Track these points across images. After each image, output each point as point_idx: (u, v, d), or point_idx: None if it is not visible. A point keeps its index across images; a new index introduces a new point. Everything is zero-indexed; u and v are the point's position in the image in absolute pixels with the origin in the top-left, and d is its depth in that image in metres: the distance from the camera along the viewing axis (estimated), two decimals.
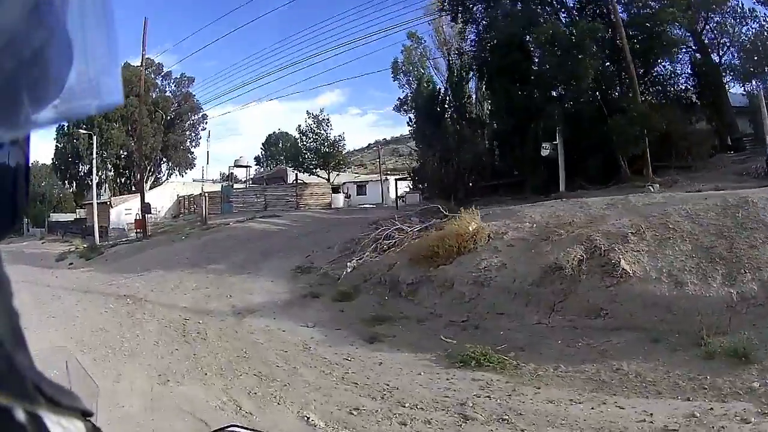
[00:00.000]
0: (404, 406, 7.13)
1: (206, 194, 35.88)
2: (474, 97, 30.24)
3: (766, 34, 24.21)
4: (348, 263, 15.92)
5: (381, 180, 43.31)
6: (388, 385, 8.01)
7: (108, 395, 7.11)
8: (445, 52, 32.67)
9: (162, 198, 45.97)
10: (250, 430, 1.87)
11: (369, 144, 71.37)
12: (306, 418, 6.82)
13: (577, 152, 22.00)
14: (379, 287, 14.14)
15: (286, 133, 73.50)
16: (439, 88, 30.32)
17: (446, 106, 29.87)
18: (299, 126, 45.91)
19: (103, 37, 0.59)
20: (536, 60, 24.26)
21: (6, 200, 0.60)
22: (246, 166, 57.04)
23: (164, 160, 55.15)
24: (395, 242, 16.36)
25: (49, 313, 13.64)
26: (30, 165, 0.64)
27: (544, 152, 21.82)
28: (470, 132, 27.41)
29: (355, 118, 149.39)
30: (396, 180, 37.25)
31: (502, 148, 25.38)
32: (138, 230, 35.50)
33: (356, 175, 49.04)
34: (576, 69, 20.46)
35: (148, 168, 44.67)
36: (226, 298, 14.69)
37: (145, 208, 34.95)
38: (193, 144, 58.69)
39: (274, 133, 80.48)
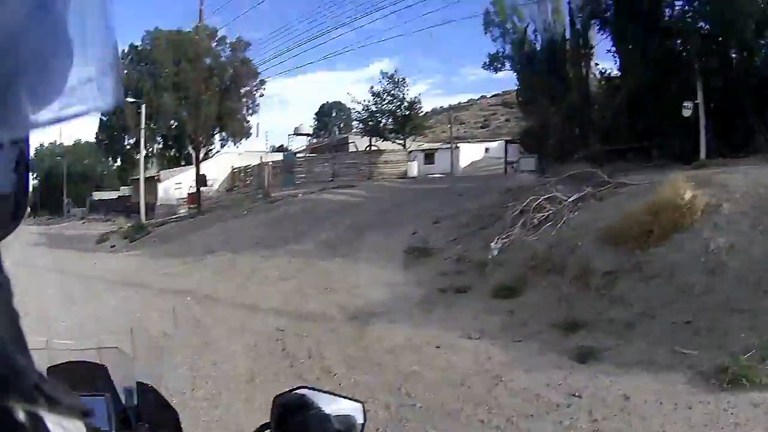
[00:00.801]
0: None
1: (269, 164, 31.87)
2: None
3: None
4: (491, 244, 11.78)
5: (451, 147, 38.85)
6: None
7: None
8: None
9: (215, 170, 43.29)
10: (319, 390, 1.52)
11: (433, 109, 66.90)
12: None
13: (720, 115, 18.69)
14: (553, 276, 10.17)
15: (340, 102, 72.95)
16: (560, 38, 25.71)
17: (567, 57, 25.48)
18: (372, 87, 41.40)
19: (102, 37, 0.56)
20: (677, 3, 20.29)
21: (5, 201, 0.57)
22: (307, 134, 54.29)
23: (218, 129, 52.26)
24: (548, 215, 12.23)
25: (78, 321, 9.70)
26: (30, 165, 0.61)
27: (686, 112, 18.34)
28: (598, 89, 23.65)
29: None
30: (506, 143, 33.98)
31: (632, 108, 21.01)
32: (191, 205, 32.77)
33: (419, 143, 44.77)
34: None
35: (201, 139, 41.66)
36: (327, 293, 11.15)
37: (201, 180, 31.86)
38: (250, 112, 55.57)
39: (327, 102, 78.74)
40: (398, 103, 39.40)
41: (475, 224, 14.01)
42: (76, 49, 0.52)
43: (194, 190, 32.87)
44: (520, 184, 17.10)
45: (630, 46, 20.75)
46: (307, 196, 25.79)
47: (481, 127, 55.79)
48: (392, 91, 39.42)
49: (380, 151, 38.67)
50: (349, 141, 45.58)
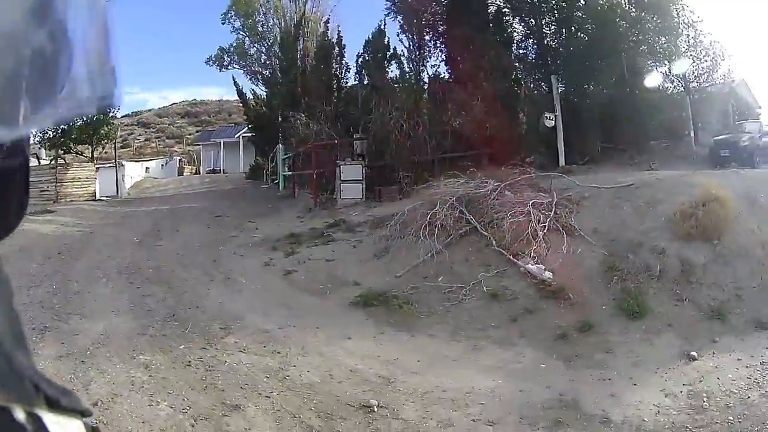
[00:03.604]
0: None
1: None
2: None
3: None
4: None
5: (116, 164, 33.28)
6: None
7: None
8: None
9: None
10: None
11: None
12: None
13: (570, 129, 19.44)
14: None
15: None
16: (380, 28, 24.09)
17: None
18: None
19: (102, 37, 0.61)
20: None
21: (7, 200, 0.62)
22: None
23: None
24: None
25: None
26: (30, 165, 0.65)
27: (549, 123, 18.88)
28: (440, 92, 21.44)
29: None
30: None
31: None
32: None
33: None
34: None
35: None
36: None
37: None
38: None
39: None
40: None
41: None
42: (76, 49, 0.56)
43: None
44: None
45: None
46: None
47: (121, 148, 51.14)
48: None
49: (66, 166, 31.73)
50: (32, 153, 36.56)
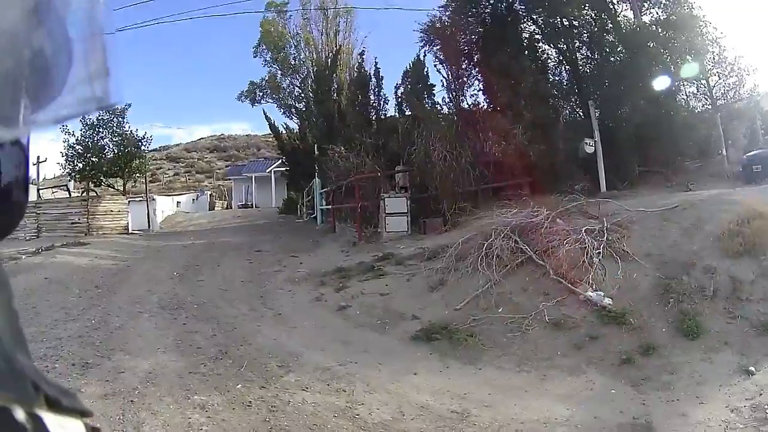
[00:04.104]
0: None
1: None
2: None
3: None
4: None
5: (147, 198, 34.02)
6: None
7: None
8: None
9: None
10: None
11: None
12: None
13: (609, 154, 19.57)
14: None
15: None
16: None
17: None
18: (84, 117, 32.14)
19: (102, 38, 0.60)
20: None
21: (7, 200, 0.63)
22: None
23: None
24: None
25: None
26: (30, 165, 0.68)
27: (589, 149, 18.79)
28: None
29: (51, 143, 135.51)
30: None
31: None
32: None
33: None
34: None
35: None
36: None
37: None
38: None
39: None
40: (119, 137, 32.36)
41: None
42: (76, 49, 0.57)
43: None
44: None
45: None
46: (32, 259, 18.87)
47: (151, 182, 51.79)
48: (111, 122, 32.22)
49: (98, 198, 31.67)
50: (62, 185, 36.27)
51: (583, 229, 11.12)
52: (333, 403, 7.10)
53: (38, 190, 34.93)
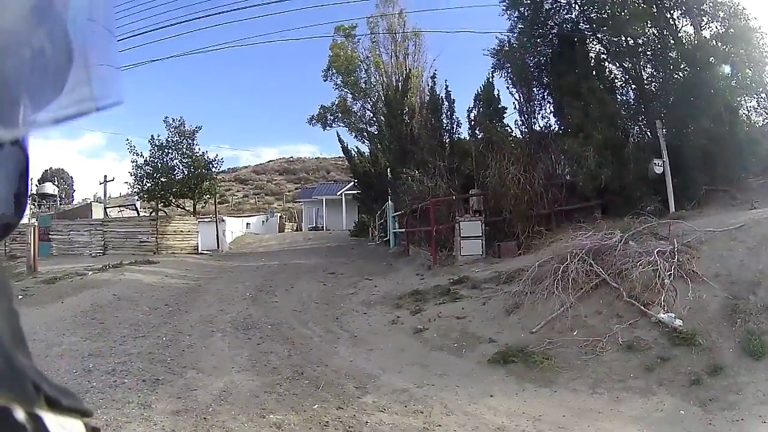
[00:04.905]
0: None
1: (35, 227, 24.14)
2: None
3: None
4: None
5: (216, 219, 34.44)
6: None
7: None
8: None
9: None
10: None
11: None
12: None
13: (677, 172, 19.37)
14: None
15: (62, 169, 69.53)
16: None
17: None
18: (153, 138, 33.58)
19: (102, 38, 0.62)
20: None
21: (6, 200, 0.62)
22: (52, 196, 46.71)
23: None
24: None
25: None
26: (29, 165, 0.66)
27: (658, 170, 18.66)
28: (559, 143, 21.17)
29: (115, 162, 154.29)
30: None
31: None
32: None
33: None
34: None
35: None
36: None
37: None
38: None
39: (49, 169, 70.49)
40: (189, 159, 33.33)
41: None
42: (76, 49, 0.57)
43: None
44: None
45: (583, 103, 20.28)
46: (99, 275, 19.28)
47: (220, 203, 52.75)
48: (181, 144, 32.94)
49: (167, 218, 32.46)
50: (129, 204, 38.41)
51: (655, 251, 11.05)
52: (410, 424, 7.08)
53: (105, 208, 35.92)
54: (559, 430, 6.89)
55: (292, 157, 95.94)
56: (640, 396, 7.78)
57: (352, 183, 41.24)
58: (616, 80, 21.80)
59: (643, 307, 9.78)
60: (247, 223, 47.65)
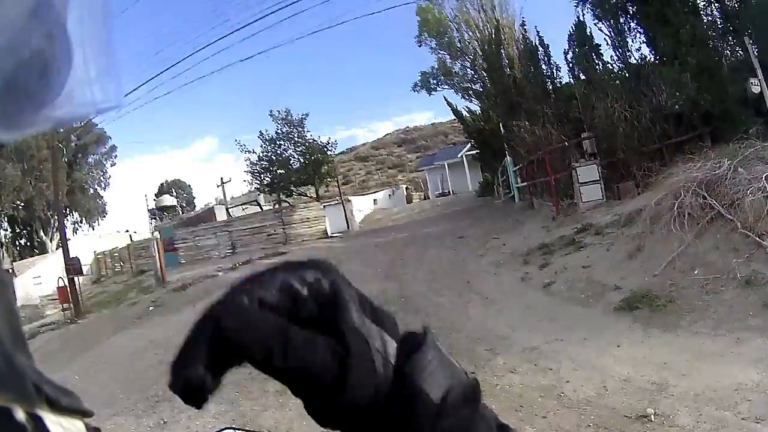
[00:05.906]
0: None
1: (159, 239, 25.99)
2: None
3: None
4: None
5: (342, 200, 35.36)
6: None
7: None
8: None
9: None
10: (244, 431, 1.85)
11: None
12: None
13: None
14: None
15: (179, 180, 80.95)
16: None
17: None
18: (262, 133, 35.87)
19: (103, 38, 0.60)
20: None
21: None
22: (173, 207, 49.10)
23: (71, 207, 46.55)
24: None
25: None
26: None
27: (755, 89, 17.91)
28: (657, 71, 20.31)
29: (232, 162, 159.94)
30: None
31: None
32: (64, 304, 24.19)
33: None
34: None
35: (53, 217, 35.61)
36: None
37: (74, 264, 24.41)
38: (102, 186, 51.48)
39: (165, 181, 79.43)
40: (303, 146, 34.95)
41: None
42: (76, 49, 0.56)
43: (64, 282, 24.26)
44: None
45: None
46: (228, 275, 20.70)
47: (343, 184, 53.79)
48: (291, 134, 34.84)
49: (292, 207, 33.90)
50: (251, 201, 41.15)
51: (764, 176, 10.59)
52: (540, 383, 7.45)
53: (227, 209, 37.52)
54: (682, 378, 6.96)
55: (407, 127, 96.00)
56: (759, 335, 7.66)
57: (471, 143, 41.29)
58: (698, 1, 21.08)
59: (758, 239, 9.54)
60: (374, 200, 48.58)
